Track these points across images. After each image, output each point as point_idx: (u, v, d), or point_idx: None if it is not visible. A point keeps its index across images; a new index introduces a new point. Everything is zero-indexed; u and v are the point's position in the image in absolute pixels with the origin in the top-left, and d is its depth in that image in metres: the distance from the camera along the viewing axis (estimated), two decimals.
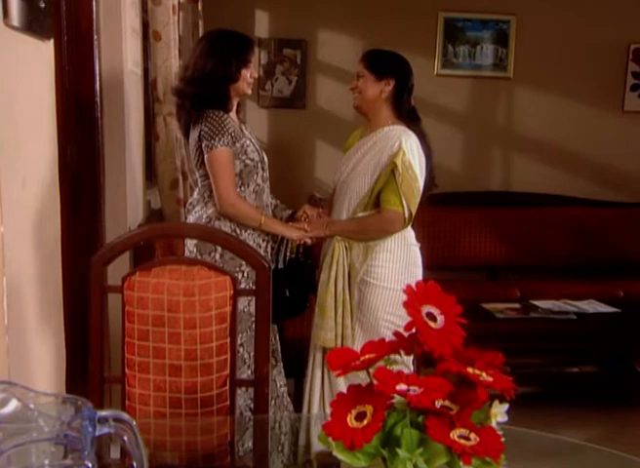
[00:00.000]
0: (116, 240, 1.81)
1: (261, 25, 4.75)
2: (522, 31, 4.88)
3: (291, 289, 2.73)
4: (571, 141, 4.98)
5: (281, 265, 2.75)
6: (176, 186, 3.35)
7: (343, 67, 4.63)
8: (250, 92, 2.77)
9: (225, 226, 2.66)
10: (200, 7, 4.13)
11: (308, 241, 2.72)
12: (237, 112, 2.81)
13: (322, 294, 2.70)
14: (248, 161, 2.68)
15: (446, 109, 4.90)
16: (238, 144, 2.65)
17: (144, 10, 3.19)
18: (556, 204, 4.89)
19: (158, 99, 3.27)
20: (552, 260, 4.76)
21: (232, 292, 1.76)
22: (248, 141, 2.71)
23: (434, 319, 0.92)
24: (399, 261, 2.69)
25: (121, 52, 2.76)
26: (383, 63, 2.74)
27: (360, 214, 2.71)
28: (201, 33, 4.18)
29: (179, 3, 3.50)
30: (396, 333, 0.97)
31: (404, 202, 2.62)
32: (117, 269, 1.86)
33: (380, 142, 2.69)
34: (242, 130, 2.74)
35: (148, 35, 3.24)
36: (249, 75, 2.69)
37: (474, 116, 4.98)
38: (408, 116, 2.74)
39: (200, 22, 4.15)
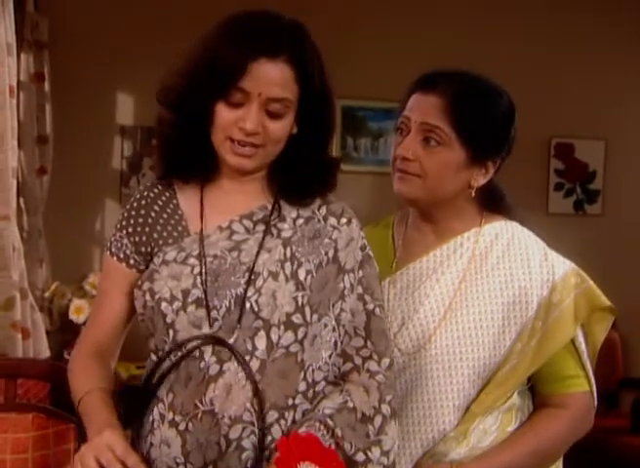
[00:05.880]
0: None
1: (125, 111, 4.80)
2: None
3: None
4: None
5: None
6: (11, 307, 3.29)
7: None
8: (235, 161, 1.57)
9: None
10: (47, 87, 4.17)
11: None
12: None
13: None
14: (148, 297, 1.56)
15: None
16: (155, 260, 1.59)
17: None
18: None
19: None
20: None
21: (77, 444, 1.71)
22: (185, 256, 1.58)
23: None
24: None
25: None
26: (490, 133, 1.75)
27: (510, 428, 1.74)
28: (48, 119, 4.20)
29: (18, 83, 3.50)
30: None
31: (590, 372, 1.77)
32: None
33: (490, 256, 1.78)
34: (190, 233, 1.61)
35: None
36: (232, 118, 1.53)
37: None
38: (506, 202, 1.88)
39: (47, 106, 4.17)
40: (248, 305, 1.52)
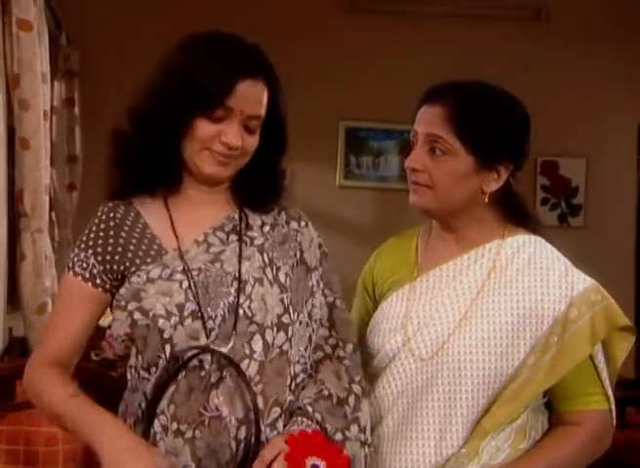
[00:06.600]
0: None
1: None
2: None
3: None
4: None
5: None
6: (43, 311, 3.29)
7: None
8: (213, 170, 1.54)
9: None
10: (77, 112, 4.21)
11: None
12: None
13: None
14: (138, 316, 1.49)
15: (350, 223, 5.06)
16: (135, 280, 1.51)
17: (10, 114, 3.19)
18: None
19: (25, 214, 3.25)
20: None
21: None
22: (170, 272, 1.51)
23: None
24: None
25: None
26: (496, 137, 1.63)
27: (522, 446, 1.61)
28: (78, 140, 4.24)
29: (51, 107, 3.54)
30: None
31: (609, 390, 1.63)
32: None
33: (510, 270, 1.64)
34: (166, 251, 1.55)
35: (15, 142, 3.24)
36: (214, 131, 1.50)
37: (381, 230, 5.14)
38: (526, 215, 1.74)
39: (77, 129, 4.21)
40: (241, 312, 1.49)
